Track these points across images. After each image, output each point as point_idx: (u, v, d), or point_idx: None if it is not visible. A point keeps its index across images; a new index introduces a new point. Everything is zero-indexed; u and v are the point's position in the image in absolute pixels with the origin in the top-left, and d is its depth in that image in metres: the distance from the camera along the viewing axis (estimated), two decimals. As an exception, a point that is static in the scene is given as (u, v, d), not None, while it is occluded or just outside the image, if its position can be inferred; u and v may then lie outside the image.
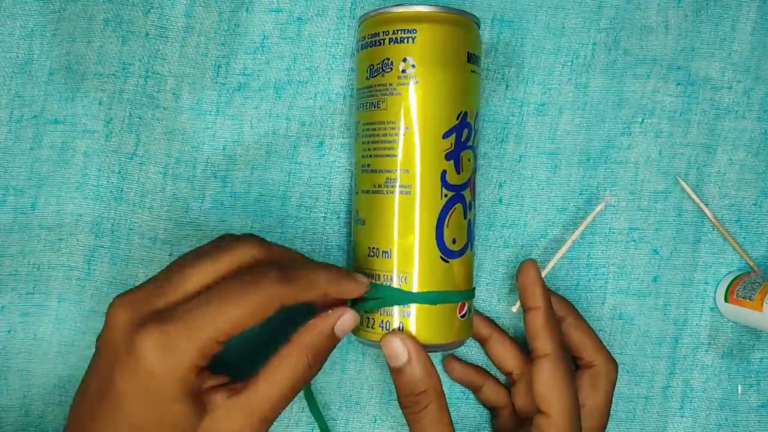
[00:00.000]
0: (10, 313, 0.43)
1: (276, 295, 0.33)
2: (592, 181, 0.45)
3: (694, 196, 0.45)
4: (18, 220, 0.43)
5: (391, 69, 0.37)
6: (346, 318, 0.36)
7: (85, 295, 0.43)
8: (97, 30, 0.43)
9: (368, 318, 0.38)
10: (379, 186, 0.37)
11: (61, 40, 0.43)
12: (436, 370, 0.37)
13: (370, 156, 0.38)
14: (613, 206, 0.45)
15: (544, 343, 0.38)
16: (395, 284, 0.37)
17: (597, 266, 0.45)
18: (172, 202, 0.44)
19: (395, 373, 0.37)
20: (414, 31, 0.36)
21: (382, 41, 0.37)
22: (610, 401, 0.41)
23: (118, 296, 0.34)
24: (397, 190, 0.37)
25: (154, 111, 0.44)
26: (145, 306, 0.33)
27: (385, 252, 0.37)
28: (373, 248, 0.38)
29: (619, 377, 0.46)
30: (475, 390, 0.44)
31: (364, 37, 0.38)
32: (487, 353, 0.44)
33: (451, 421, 0.37)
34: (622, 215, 0.45)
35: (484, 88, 0.44)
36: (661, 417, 0.46)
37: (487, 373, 0.44)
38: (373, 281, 0.37)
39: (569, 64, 0.45)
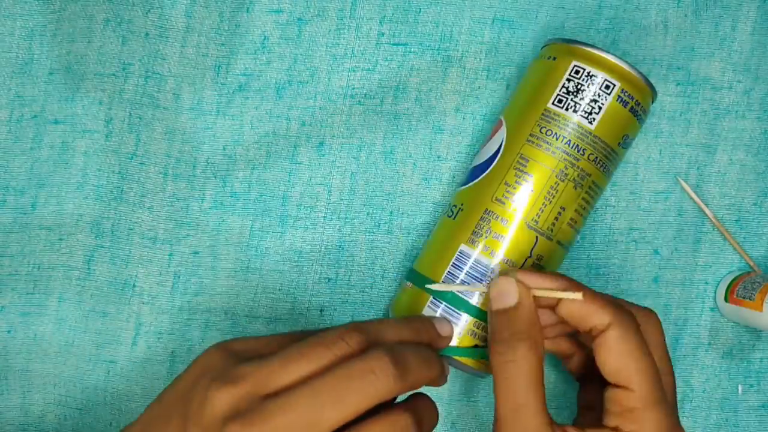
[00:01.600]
0: (10, 313, 0.43)
1: (388, 392, 0.31)
2: (592, 181, 0.45)
3: (694, 196, 0.45)
4: (18, 220, 0.43)
5: (629, 146, 0.39)
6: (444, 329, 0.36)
7: (85, 295, 0.43)
8: (97, 30, 0.43)
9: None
10: (569, 243, 0.40)
11: (61, 40, 0.43)
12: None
13: (581, 214, 0.39)
14: (613, 206, 0.45)
15: (601, 316, 0.33)
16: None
17: (597, 266, 0.45)
18: (172, 202, 0.44)
19: (499, 315, 0.34)
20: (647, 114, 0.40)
21: (642, 118, 0.39)
22: (667, 353, 0.37)
23: (226, 342, 0.32)
24: (569, 245, 0.40)
25: (154, 111, 0.44)
26: (247, 378, 0.30)
27: None
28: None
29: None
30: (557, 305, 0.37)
31: (639, 103, 0.38)
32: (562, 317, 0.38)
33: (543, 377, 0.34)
34: (622, 215, 0.45)
35: (493, 91, 0.45)
36: (661, 417, 0.46)
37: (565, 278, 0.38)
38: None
39: (569, 64, 0.45)
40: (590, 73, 0.37)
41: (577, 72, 0.37)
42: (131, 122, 0.44)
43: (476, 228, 0.38)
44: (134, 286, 0.44)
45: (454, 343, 0.37)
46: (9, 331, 0.43)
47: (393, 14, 0.44)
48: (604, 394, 0.34)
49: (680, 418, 0.46)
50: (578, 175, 0.37)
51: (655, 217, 0.46)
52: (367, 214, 0.44)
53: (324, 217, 0.44)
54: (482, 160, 0.39)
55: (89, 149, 0.43)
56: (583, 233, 0.45)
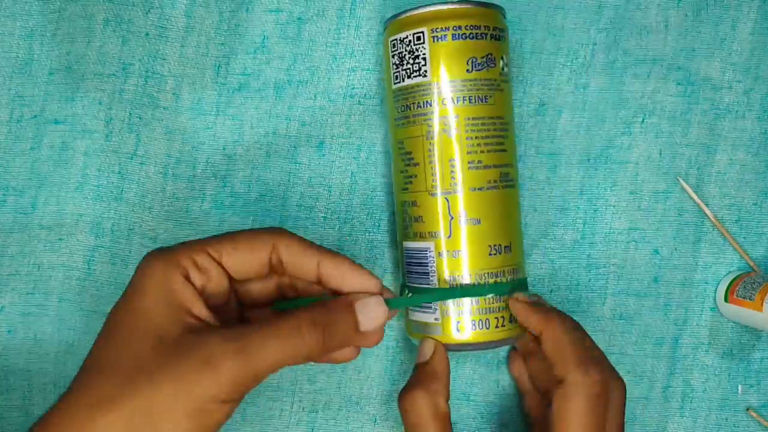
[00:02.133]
0: (10, 313, 0.43)
1: (279, 236, 0.35)
2: (592, 181, 0.45)
3: (694, 196, 0.45)
4: (18, 220, 0.43)
5: (494, 65, 0.37)
6: (370, 301, 0.35)
7: (85, 295, 0.43)
8: (97, 30, 0.43)
9: (498, 318, 0.38)
10: (495, 182, 0.37)
11: (61, 40, 0.43)
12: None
13: (482, 152, 0.37)
14: (614, 206, 0.45)
15: (558, 369, 0.36)
16: (521, 275, 0.39)
17: (597, 266, 0.45)
18: (172, 202, 0.44)
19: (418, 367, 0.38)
20: (506, 30, 0.39)
21: (484, 35, 0.37)
22: (622, 423, 0.37)
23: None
24: (510, 184, 0.38)
25: (154, 111, 0.44)
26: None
27: (506, 247, 0.38)
28: (495, 245, 0.37)
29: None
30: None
31: (460, 27, 0.37)
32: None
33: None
34: (623, 215, 0.45)
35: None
36: (661, 417, 0.46)
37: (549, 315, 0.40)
38: (496, 280, 0.38)
39: (569, 64, 0.45)
40: (401, 39, 0.38)
41: (393, 45, 0.38)
42: (131, 122, 0.44)
43: (404, 222, 0.39)
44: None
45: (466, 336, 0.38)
46: (9, 331, 0.43)
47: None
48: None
49: (680, 418, 0.46)
50: (444, 124, 0.37)
51: (655, 217, 0.46)
52: (367, 214, 0.44)
53: (324, 217, 0.44)
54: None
55: (89, 149, 0.43)
56: (583, 233, 0.45)
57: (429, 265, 0.38)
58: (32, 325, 0.43)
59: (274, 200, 0.44)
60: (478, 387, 0.45)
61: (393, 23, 0.38)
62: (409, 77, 0.37)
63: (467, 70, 0.37)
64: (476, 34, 0.37)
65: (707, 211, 0.46)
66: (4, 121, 0.43)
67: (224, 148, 0.44)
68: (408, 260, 0.39)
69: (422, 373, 0.37)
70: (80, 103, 0.43)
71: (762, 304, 0.41)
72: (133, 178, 0.44)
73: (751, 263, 0.46)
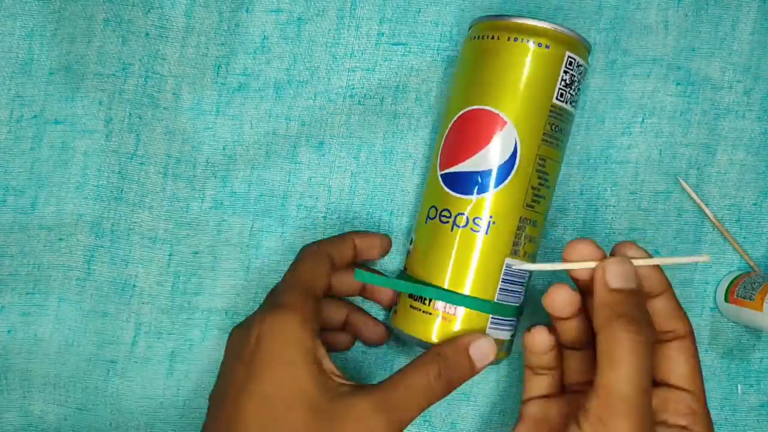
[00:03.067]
0: (10, 313, 0.43)
1: (321, 248, 0.39)
2: (592, 181, 0.45)
3: (694, 196, 0.45)
4: (18, 220, 0.43)
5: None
6: (482, 342, 0.36)
7: (85, 295, 0.43)
8: (97, 30, 0.43)
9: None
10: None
11: (61, 40, 0.43)
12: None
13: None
14: (614, 206, 0.45)
15: (682, 324, 0.36)
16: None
17: (597, 266, 0.45)
18: (172, 202, 0.44)
19: (612, 292, 0.34)
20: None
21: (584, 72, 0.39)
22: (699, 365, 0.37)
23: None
24: None
25: (154, 111, 0.44)
26: None
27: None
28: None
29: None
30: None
31: (574, 60, 0.37)
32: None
33: None
34: (623, 215, 0.45)
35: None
36: (661, 417, 0.46)
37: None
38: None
39: (569, 64, 0.45)
40: (579, 64, 0.37)
41: (570, 63, 0.37)
42: (131, 122, 0.44)
43: (516, 239, 0.37)
44: (134, 286, 0.44)
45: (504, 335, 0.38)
46: (9, 331, 0.43)
47: (393, 14, 0.44)
48: (665, 394, 0.35)
49: (680, 418, 0.46)
50: (562, 158, 0.39)
51: (655, 217, 0.46)
52: (367, 214, 0.44)
53: (324, 217, 0.44)
54: (496, 165, 0.37)
55: (89, 149, 0.43)
56: (583, 233, 0.45)
57: (525, 285, 0.39)
58: (32, 325, 0.43)
59: (274, 200, 0.44)
60: (478, 387, 0.45)
61: (578, 43, 0.37)
62: (570, 104, 0.38)
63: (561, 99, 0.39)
64: (578, 74, 0.39)
65: (707, 211, 0.46)
66: (4, 121, 0.43)
67: (224, 148, 0.44)
68: (509, 277, 0.38)
69: (642, 303, 0.34)
70: (80, 103, 0.43)
71: (762, 304, 0.41)
72: (133, 178, 0.44)
73: (751, 263, 0.46)
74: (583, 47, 0.38)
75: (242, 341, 0.34)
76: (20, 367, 0.43)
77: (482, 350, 0.36)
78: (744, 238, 0.46)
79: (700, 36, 0.45)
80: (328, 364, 0.34)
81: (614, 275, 0.34)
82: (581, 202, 0.45)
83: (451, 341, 0.36)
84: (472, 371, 0.36)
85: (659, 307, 0.36)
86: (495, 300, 0.37)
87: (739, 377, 0.46)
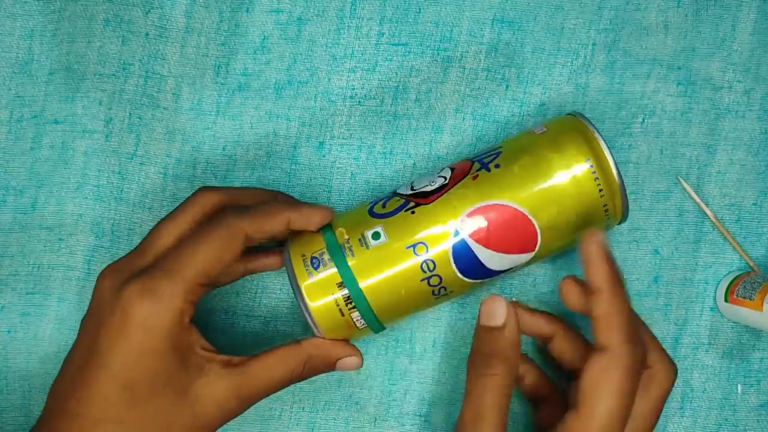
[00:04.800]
0: (10, 313, 0.43)
1: (239, 226, 0.35)
2: (592, 181, 0.45)
3: (695, 196, 0.45)
4: (18, 220, 0.43)
5: None
6: (352, 360, 0.38)
7: (85, 295, 0.43)
8: (97, 30, 0.43)
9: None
10: None
11: (61, 40, 0.43)
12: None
13: None
14: (613, 206, 0.45)
15: (604, 335, 0.34)
16: None
17: (597, 266, 0.45)
18: (172, 202, 0.44)
19: (483, 331, 0.37)
20: None
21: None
22: (659, 411, 0.37)
23: (105, 268, 0.36)
24: None
25: (154, 111, 0.44)
26: (128, 268, 0.35)
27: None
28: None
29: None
30: (546, 340, 0.40)
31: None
32: (550, 354, 0.41)
33: (509, 399, 0.36)
34: (622, 215, 0.45)
35: (493, 91, 0.45)
36: (661, 417, 0.46)
37: (557, 319, 0.41)
38: None
39: (569, 64, 0.45)
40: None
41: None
42: (131, 122, 0.44)
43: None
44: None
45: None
46: (9, 331, 0.43)
47: (393, 14, 0.44)
48: (565, 416, 0.35)
49: (680, 418, 0.46)
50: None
51: (656, 217, 0.46)
52: (367, 214, 0.44)
53: (324, 217, 0.44)
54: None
55: (89, 149, 0.43)
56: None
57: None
58: (32, 325, 0.43)
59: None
60: (478, 387, 0.45)
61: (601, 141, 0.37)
62: None
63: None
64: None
65: (707, 211, 0.46)
66: (4, 121, 0.43)
67: (224, 149, 0.44)
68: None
69: (501, 341, 0.36)
70: (80, 103, 0.43)
71: (762, 304, 0.41)
72: (133, 178, 0.44)
73: (751, 263, 0.46)
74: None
75: (109, 306, 0.34)
76: (20, 367, 0.43)
77: (346, 364, 0.38)
78: (744, 238, 0.46)
79: (700, 36, 0.45)
80: (196, 341, 0.35)
81: (484, 313, 0.37)
82: (581, 202, 0.45)
83: (322, 350, 0.38)
84: (332, 369, 0.39)
85: (591, 307, 0.35)
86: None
87: (739, 377, 0.46)
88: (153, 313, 0.33)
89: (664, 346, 0.43)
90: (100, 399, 0.33)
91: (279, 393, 0.44)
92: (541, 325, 0.40)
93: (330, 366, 0.38)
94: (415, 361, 0.45)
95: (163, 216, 0.44)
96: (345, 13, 0.44)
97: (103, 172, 0.44)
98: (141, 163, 0.44)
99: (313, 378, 0.44)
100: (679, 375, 0.46)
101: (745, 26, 0.46)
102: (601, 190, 0.37)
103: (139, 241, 0.44)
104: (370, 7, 0.44)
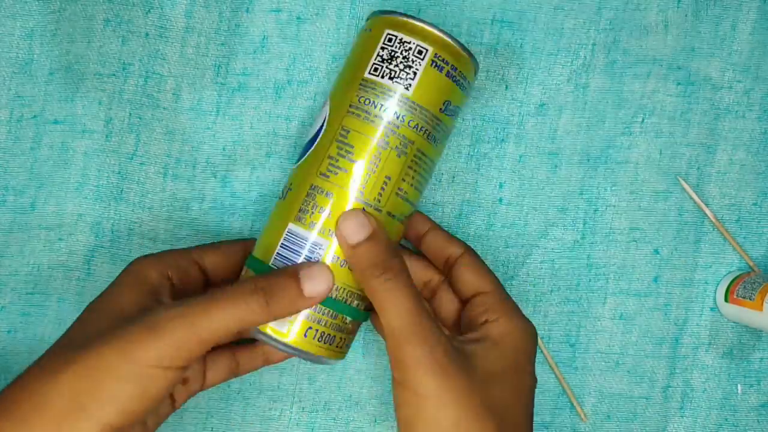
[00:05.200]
0: (10, 313, 0.43)
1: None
2: (592, 181, 0.45)
3: (694, 196, 0.45)
4: (18, 220, 0.43)
5: (456, 117, 0.39)
6: (315, 269, 0.34)
7: (85, 295, 0.43)
8: (97, 30, 0.43)
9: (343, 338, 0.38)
10: (404, 217, 0.38)
11: (61, 40, 0.43)
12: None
13: (411, 185, 0.38)
14: (614, 206, 0.45)
15: (456, 247, 0.39)
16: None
17: (597, 266, 0.45)
18: (172, 202, 0.44)
19: (363, 246, 0.35)
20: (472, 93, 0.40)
21: (465, 88, 0.38)
22: (523, 367, 0.36)
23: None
24: (405, 223, 0.39)
25: (154, 111, 0.44)
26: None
27: None
28: None
29: (619, 377, 0.46)
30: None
31: (456, 68, 0.37)
32: (423, 250, 0.41)
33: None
34: (623, 215, 0.45)
35: (493, 91, 0.45)
36: (661, 417, 0.46)
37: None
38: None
39: (569, 64, 0.45)
40: (402, 40, 0.37)
41: (390, 40, 0.37)
42: (131, 122, 0.44)
43: (303, 205, 0.36)
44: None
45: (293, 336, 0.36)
46: (9, 331, 0.43)
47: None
48: (465, 307, 0.38)
49: (680, 418, 0.46)
50: (401, 143, 0.36)
51: (655, 217, 0.46)
52: (367, 214, 0.44)
53: (324, 217, 0.44)
54: (308, 138, 0.38)
55: (89, 149, 0.43)
56: (583, 233, 0.45)
57: (309, 258, 0.36)
58: (32, 325, 0.43)
59: (274, 200, 0.44)
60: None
61: (399, 20, 0.37)
62: (390, 79, 0.36)
63: (440, 109, 0.37)
64: (462, 83, 0.38)
65: (707, 211, 0.46)
66: (4, 121, 0.43)
67: (224, 148, 0.44)
68: (288, 243, 0.36)
69: (384, 244, 0.35)
70: (80, 103, 0.43)
71: (762, 304, 0.41)
72: (133, 178, 0.44)
73: (751, 263, 0.46)
74: (409, 25, 0.37)
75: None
76: (20, 367, 0.43)
77: (313, 273, 0.34)
78: (744, 238, 0.46)
79: (700, 36, 0.45)
80: (167, 298, 0.35)
81: (350, 232, 0.35)
82: (581, 202, 0.45)
83: (280, 270, 0.35)
84: (301, 296, 0.34)
85: (430, 240, 0.40)
86: (270, 263, 0.36)
87: (739, 377, 0.46)
88: (139, 263, 0.37)
89: (659, 346, 0.43)
90: (94, 326, 0.33)
91: (279, 393, 0.44)
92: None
93: (294, 288, 0.34)
94: (415, 361, 0.45)
95: (162, 215, 0.44)
96: (344, 13, 0.44)
97: (103, 172, 0.44)
98: (141, 163, 0.44)
99: (313, 378, 0.44)
100: (679, 375, 0.46)
101: (745, 26, 0.46)
102: (420, 46, 0.37)
103: (139, 240, 0.44)
104: (369, 7, 0.44)
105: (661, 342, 0.46)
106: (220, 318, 0.32)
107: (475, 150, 0.45)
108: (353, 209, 0.36)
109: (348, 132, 0.36)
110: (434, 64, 0.37)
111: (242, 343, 0.41)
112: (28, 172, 0.43)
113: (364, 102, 0.37)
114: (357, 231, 0.35)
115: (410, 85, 0.36)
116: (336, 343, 0.37)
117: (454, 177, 0.45)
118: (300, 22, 0.44)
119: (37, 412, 0.31)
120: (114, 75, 0.43)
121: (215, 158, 0.44)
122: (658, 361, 0.46)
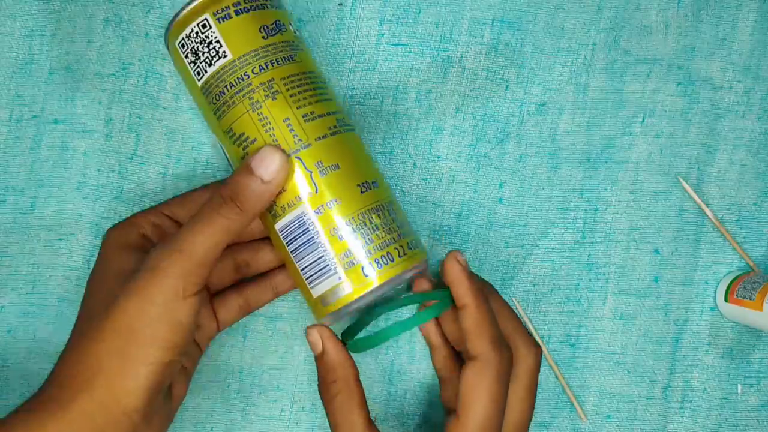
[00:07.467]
0: (10, 313, 0.43)
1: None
2: (592, 181, 0.45)
3: (695, 196, 0.45)
4: (18, 220, 0.43)
5: (285, 29, 0.38)
6: (260, 154, 0.35)
7: (85, 295, 0.43)
8: (97, 30, 0.43)
9: (398, 248, 0.37)
10: (335, 127, 0.37)
11: (61, 40, 0.43)
12: (351, 362, 0.38)
13: (310, 104, 0.37)
14: (614, 206, 0.45)
15: (474, 345, 0.36)
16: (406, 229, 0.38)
17: (597, 266, 0.45)
18: (172, 202, 0.44)
19: (316, 360, 0.38)
20: (283, 1, 0.39)
21: (264, 6, 0.38)
22: (532, 390, 0.38)
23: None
24: (350, 127, 0.38)
25: (154, 111, 0.44)
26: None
27: (373, 182, 0.38)
28: (363, 183, 0.37)
29: (619, 377, 0.46)
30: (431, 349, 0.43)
31: (239, 3, 0.37)
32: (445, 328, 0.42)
33: (364, 409, 0.37)
34: (623, 215, 0.45)
35: (493, 91, 0.45)
36: (661, 417, 0.46)
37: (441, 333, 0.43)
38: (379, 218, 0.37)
39: (569, 64, 0.45)
40: (188, 35, 0.37)
41: (183, 45, 0.37)
42: (131, 122, 0.44)
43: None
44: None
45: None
46: (9, 331, 0.43)
47: (393, 15, 0.44)
48: (445, 420, 0.38)
49: (680, 418, 0.46)
50: (264, 91, 0.37)
51: (656, 217, 0.46)
52: (367, 214, 0.44)
53: (324, 217, 0.44)
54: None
55: (89, 149, 0.43)
56: (583, 233, 0.45)
57: (310, 228, 0.36)
58: (32, 325, 0.43)
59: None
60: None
61: (173, 26, 0.38)
62: (210, 65, 0.37)
63: (263, 37, 0.37)
64: (257, 5, 0.38)
65: (707, 211, 0.46)
66: (4, 121, 0.43)
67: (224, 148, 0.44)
68: (288, 238, 0.37)
69: (328, 364, 0.38)
70: (80, 102, 0.43)
71: (762, 304, 0.41)
72: (133, 178, 0.44)
73: (751, 263, 0.46)
74: (180, 20, 0.37)
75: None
76: (20, 367, 0.43)
77: (264, 161, 0.35)
78: (744, 238, 0.46)
79: (700, 36, 0.45)
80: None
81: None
82: (581, 202, 0.45)
83: (234, 172, 0.36)
84: (263, 184, 0.35)
85: (460, 321, 0.38)
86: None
87: (739, 377, 0.46)
88: (114, 233, 0.39)
89: (659, 346, 0.43)
90: (104, 295, 0.35)
91: (279, 393, 0.44)
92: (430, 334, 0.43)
93: (251, 178, 0.35)
94: (415, 361, 0.45)
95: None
96: (345, 14, 0.44)
97: (103, 172, 0.44)
98: (141, 163, 0.44)
99: (313, 378, 0.44)
100: (679, 375, 0.46)
101: (745, 26, 0.46)
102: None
103: (139, 241, 0.44)
104: (370, 8, 0.44)
105: (661, 342, 0.46)
106: (207, 239, 0.34)
107: (476, 150, 0.45)
108: (313, 326, 0.38)
109: (231, 129, 0.37)
110: (221, 20, 0.37)
111: (249, 281, 0.41)
112: (28, 171, 0.43)
113: (217, 99, 0.37)
114: (311, 345, 0.38)
115: (225, 51, 0.37)
116: (396, 255, 0.37)
117: (454, 177, 0.45)
118: (300, 23, 0.44)
119: (93, 376, 0.33)
120: (114, 75, 0.43)
121: (215, 158, 0.44)
122: (658, 361, 0.46)
